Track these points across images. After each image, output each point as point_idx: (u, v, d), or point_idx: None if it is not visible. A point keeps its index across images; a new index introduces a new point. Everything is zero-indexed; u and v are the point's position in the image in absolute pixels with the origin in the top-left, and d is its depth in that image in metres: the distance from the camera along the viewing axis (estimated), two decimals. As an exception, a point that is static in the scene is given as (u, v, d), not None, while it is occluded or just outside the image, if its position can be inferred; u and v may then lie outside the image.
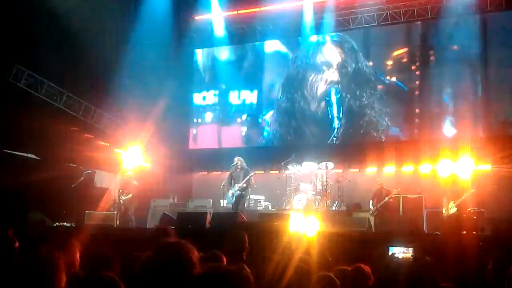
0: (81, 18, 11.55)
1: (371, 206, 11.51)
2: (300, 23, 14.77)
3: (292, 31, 15.03)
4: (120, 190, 11.59)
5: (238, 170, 11.30)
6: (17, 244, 4.65)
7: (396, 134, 13.93)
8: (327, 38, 14.80)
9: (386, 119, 13.85)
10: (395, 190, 11.48)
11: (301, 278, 3.65)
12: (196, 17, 15.48)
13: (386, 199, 11.33)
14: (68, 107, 12.74)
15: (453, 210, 10.52)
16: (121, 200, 11.51)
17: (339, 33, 14.70)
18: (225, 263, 3.63)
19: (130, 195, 11.55)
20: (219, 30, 15.45)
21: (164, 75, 14.03)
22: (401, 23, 14.03)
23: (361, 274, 3.91)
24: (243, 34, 15.64)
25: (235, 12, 15.37)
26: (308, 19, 14.57)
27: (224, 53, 16.04)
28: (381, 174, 12.90)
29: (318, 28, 14.71)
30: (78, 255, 4.24)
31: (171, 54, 14.54)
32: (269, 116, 15.35)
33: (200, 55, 16.47)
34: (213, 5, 15.25)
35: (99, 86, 12.24)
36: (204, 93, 16.13)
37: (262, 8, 14.84)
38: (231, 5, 15.15)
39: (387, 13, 13.99)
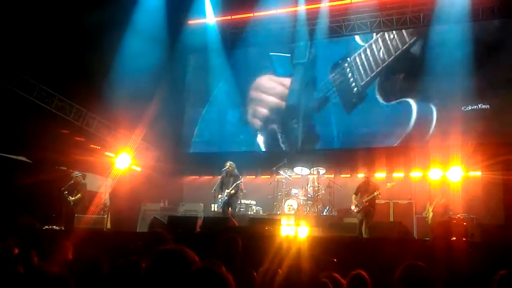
0: (74, 22, 11.51)
1: (353, 201, 10.64)
2: (293, 28, 14.86)
3: (285, 37, 15.07)
4: (66, 192, 11.17)
5: (228, 175, 11.32)
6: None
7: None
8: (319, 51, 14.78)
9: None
10: (388, 184, 11.13)
11: (291, 283, 3.64)
12: (190, 22, 15.48)
13: (376, 193, 10.42)
14: (59, 110, 12.65)
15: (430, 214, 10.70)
16: (70, 201, 11.15)
17: (331, 42, 14.70)
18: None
19: (79, 195, 11.24)
20: (213, 35, 15.49)
21: (157, 79, 13.99)
22: (394, 30, 14.10)
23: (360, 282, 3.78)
24: (236, 39, 15.66)
25: (229, 18, 15.42)
26: (302, 25, 14.64)
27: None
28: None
29: (311, 34, 14.79)
30: (69, 257, 4.23)
31: (165, 58, 14.51)
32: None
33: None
34: (207, 10, 15.31)
35: (91, 89, 12.16)
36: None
37: (256, 14, 14.90)
38: (225, 11, 15.19)
39: (380, 20, 14.10)
